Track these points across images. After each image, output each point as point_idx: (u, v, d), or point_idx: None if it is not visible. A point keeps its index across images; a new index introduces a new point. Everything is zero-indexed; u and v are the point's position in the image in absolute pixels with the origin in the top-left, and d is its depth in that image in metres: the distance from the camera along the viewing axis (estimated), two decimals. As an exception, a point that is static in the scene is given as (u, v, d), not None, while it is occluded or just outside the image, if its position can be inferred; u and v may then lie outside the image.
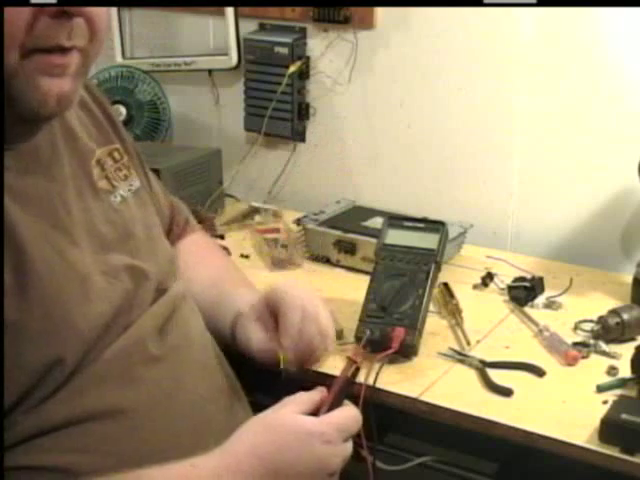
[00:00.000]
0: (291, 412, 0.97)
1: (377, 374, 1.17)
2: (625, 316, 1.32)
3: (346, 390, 1.04)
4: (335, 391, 1.02)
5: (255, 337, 1.16)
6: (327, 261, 1.63)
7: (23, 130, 0.93)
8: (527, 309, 1.44)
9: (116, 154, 1.10)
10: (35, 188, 0.94)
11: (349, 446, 0.98)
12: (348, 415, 0.99)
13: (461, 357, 1.28)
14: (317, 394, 1.01)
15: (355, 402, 1.08)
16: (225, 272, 1.30)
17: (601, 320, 1.33)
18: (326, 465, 0.95)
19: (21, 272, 0.87)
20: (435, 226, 1.35)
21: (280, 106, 1.87)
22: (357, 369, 1.09)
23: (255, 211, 1.86)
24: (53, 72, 0.87)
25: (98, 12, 0.88)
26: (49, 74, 0.86)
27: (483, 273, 1.54)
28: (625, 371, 1.21)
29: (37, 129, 0.95)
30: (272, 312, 1.16)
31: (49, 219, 0.94)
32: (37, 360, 0.88)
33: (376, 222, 1.60)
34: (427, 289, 1.29)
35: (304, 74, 1.86)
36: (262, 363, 1.16)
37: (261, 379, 1.19)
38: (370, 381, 1.16)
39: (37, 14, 0.83)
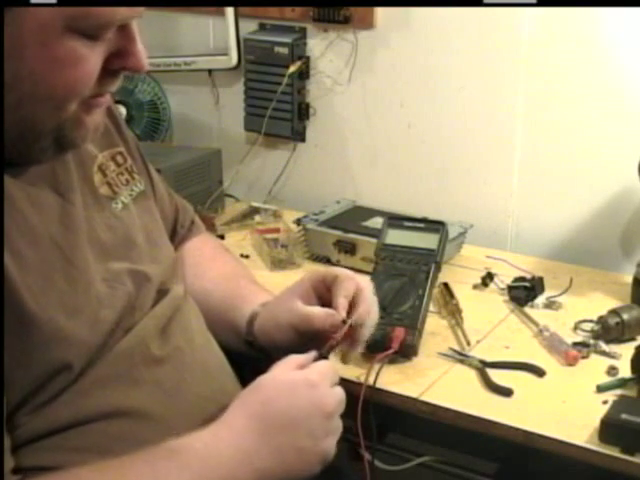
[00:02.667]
0: (277, 371, 0.99)
1: (377, 374, 1.17)
2: (625, 316, 1.32)
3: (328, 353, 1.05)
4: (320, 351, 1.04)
5: (300, 304, 1.14)
6: (327, 261, 1.63)
7: (49, 157, 0.94)
8: (527, 309, 1.44)
9: (119, 157, 1.10)
10: (43, 199, 0.94)
11: (339, 390, 0.98)
12: (327, 365, 1.01)
13: (461, 357, 1.28)
14: (310, 356, 1.02)
15: (355, 402, 1.08)
16: (238, 270, 1.30)
17: (601, 320, 1.33)
18: (319, 407, 0.95)
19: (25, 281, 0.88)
20: (435, 226, 1.35)
21: (280, 106, 1.87)
22: (331, 347, 1.07)
23: (255, 211, 1.86)
24: (95, 110, 0.92)
25: None
26: (91, 113, 0.92)
27: (483, 273, 1.54)
28: (625, 371, 1.21)
29: (65, 155, 0.97)
30: (319, 289, 1.15)
31: (56, 230, 0.94)
32: (44, 363, 0.88)
33: (376, 222, 1.60)
34: (427, 289, 1.29)
35: (304, 74, 1.86)
36: (302, 329, 1.12)
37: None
38: (370, 381, 1.16)
39: (103, 73, 0.88)
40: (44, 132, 0.89)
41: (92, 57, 0.86)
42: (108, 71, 0.89)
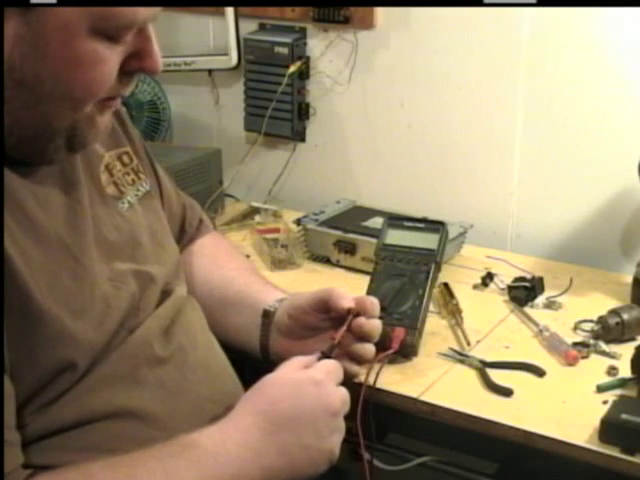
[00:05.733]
0: (283, 371, 1.00)
1: (377, 374, 1.17)
2: (625, 316, 1.32)
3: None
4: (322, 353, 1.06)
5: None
6: (327, 261, 1.63)
7: (61, 157, 0.95)
8: (527, 309, 1.44)
9: (125, 158, 1.10)
10: (51, 199, 0.95)
11: (343, 389, 1.00)
12: (331, 363, 1.02)
13: (461, 357, 1.28)
14: (313, 357, 1.03)
15: (355, 402, 1.08)
16: (245, 271, 1.30)
17: (601, 320, 1.33)
18: (324, 405, 0.96)
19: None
20: (435, 226, 1.35)
21: (280, 106, 1.87)
22: (333, 346, 1.08)
23: (255, 211, 1.86)
24: (106, 111, 0.93)
25: None
26: (103, 113, 0.93)
27: (483, 273, 1.54)
28: (625, 371, 1.21)
29: (76, 154, 0.98)
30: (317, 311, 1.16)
31: (63, 230, 0.94)
32: (50, 361, 0.89)
33: (376, 222, 1.60)
34: (427, 289, 1.29)
35: (304, 74, 1.86)
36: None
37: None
38: (370, 381, 1.16)
39: (120, 75, 0.89)
40: (59, 131, 0.89)
41: (112, 58, 0.87)
42: (125, 72, 0.90)
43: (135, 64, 0.90)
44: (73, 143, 0.92)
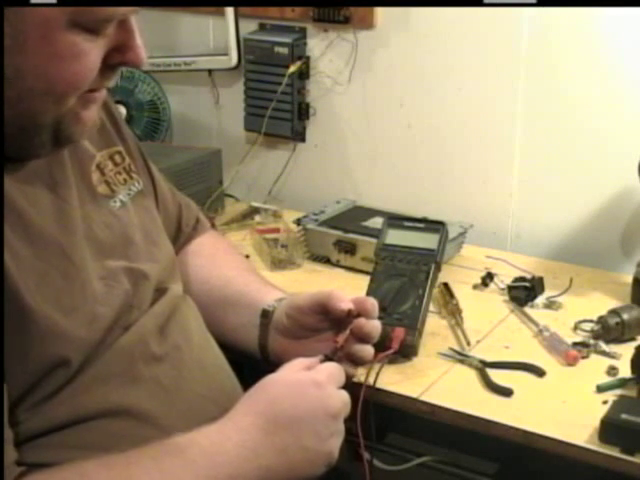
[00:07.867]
0: (284, 372, 1.00)
1: (377, 374, 1.17)
2: (625, 316, 1.32)
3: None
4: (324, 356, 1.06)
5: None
6: (327, 261, 1.63)
7: (47, 152, 0.94)
8: (527, 309, 1.44)
9: (117, 157, 1.10)
10: (39, 197, 0.94)
11: (344, 393, 1.00)
12: (333, 366, 1.02)
13: (461, 357, 1.28)
14: (316, 359, 1.03)
15: (355, 402, 1.08)
16: (244, 271, 1.29)
17: (601, 320, 1.33)
18: (325, 406, 0.96)
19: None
20: (435, 226, 1.35)
21: (280, 106, 1.87)
22: (336, 349, 1.08)
23: (255, 211, 1.86)
24: (91, 106, 0.92)
25: None
26: (88, 107, 0.92)
27: (483, 273, 1.54)
28: (625, 371, 1.21)
29: (63, 150, 0.98)
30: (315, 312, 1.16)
31: (53, 228, 0.94)
32: (42, 358, 0.89)
33: (376, 222, 1.60)
34: (427, 289, 1.29)
35: (304, 74, 1.86)
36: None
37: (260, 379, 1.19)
38: (370, 381, 1.16)
39: (103, 68, 0.89)
40: (44, 126, 0.89)
41: (93, 51, 0.86)
42: (107, 66, 0.89)
43: (117, 57, 0.90)
44: (59, 138, 0.91)
